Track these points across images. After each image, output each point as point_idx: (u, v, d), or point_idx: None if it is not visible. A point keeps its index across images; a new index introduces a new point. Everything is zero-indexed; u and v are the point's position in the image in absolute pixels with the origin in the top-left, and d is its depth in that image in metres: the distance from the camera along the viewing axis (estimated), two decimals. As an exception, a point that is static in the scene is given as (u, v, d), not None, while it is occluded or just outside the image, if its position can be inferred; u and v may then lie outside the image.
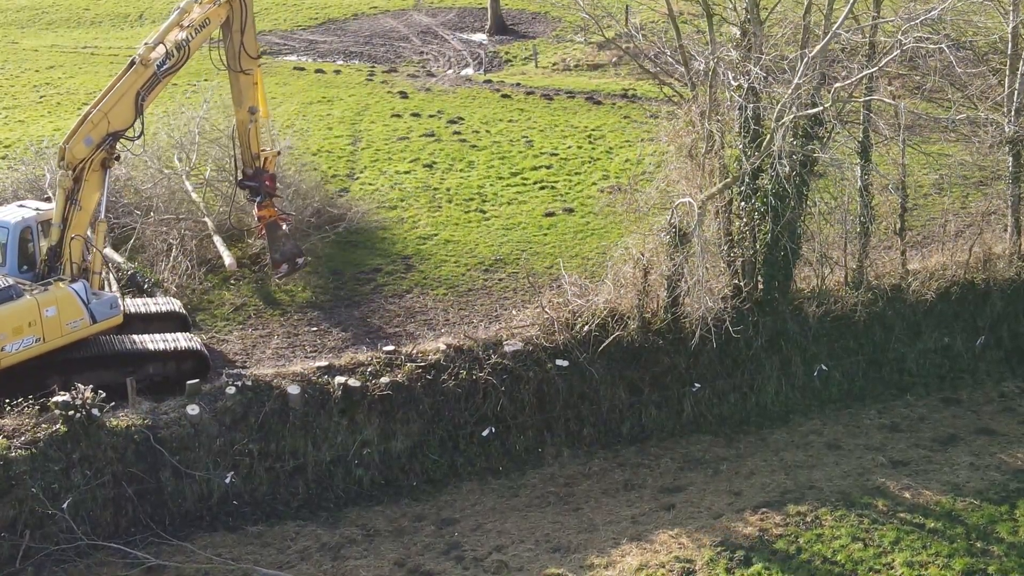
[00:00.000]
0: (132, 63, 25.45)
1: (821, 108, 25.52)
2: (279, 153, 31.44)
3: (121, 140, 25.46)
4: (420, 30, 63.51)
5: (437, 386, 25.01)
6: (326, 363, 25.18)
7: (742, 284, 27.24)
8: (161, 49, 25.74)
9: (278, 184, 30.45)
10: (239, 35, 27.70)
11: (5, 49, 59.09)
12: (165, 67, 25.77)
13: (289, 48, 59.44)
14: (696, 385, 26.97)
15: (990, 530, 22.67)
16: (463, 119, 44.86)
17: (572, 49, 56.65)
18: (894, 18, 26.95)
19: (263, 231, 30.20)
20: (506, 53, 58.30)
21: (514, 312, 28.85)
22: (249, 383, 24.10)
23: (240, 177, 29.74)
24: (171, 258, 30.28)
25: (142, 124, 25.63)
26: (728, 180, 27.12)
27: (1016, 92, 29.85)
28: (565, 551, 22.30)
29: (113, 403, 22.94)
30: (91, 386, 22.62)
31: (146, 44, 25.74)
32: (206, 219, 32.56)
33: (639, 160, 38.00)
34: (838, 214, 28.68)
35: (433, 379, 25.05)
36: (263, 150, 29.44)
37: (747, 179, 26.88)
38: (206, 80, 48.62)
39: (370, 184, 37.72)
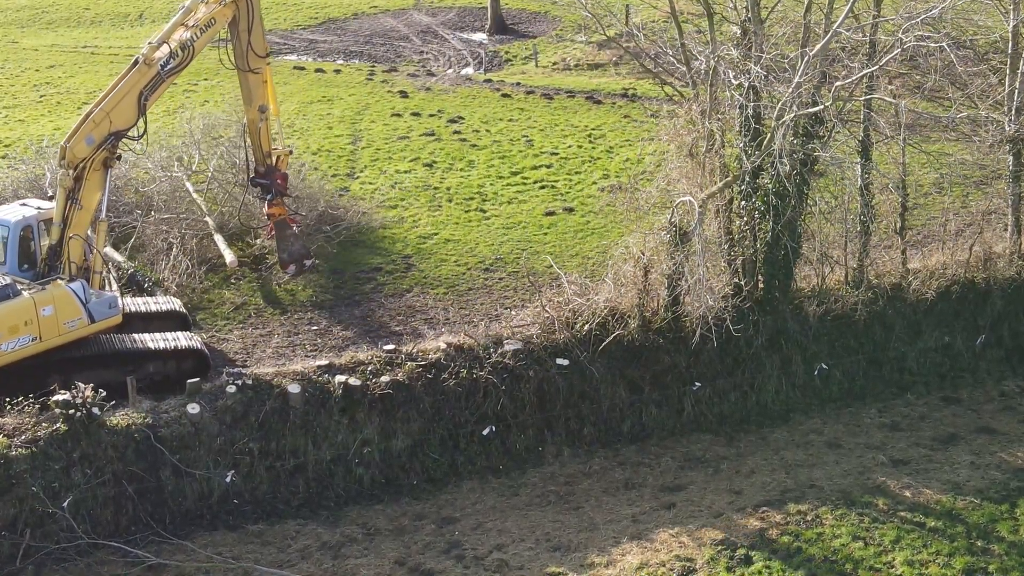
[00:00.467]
0: (136, 62, 25.34)
1: (821, 107, 25.52)
2: (291, 152, 31.41)
3: (124, 140, 25.39)
4: (420, 29, 63.53)
5: (438, 385, 25.00)
6: (326, 362, 25.17)
7: (742, 283, 27.22)
8: (165, 49, 25.60)
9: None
10: (246, 34, 27.58)
11: (5, 48, 59.10)
12: (169, 67, 25.62)
13: (289, 47, 59.45)
14: (697, 384, 26.97)
15: (991, 529, 22.67)
16: (463, 118, 44.86)
17: (572, 48, 56.65)
18: (894, 17, 26.97)
19: (272, 230, 30.19)
20: (506, 52, 58.30)
21: (514, 311, 28.85)
22: (249, 382, 24.09)
23: (252, 175, 29.68)
24: (171, 257, 30.26)
25: (145, 124, 25.54)
26: (728, 179, 27.13)
27: (1016, 91, 29.85)
28: (565, 550, 22.29)
29: (113, 402, 22.93)
30: (91, 385, 22.61)
31: (150, 43, 25.57)
32: (207, 218, 32.56)
33: (639, 159, 38.03)
34: (839, 213, 28.72)
35: (433, 378, 25.04)
36: (274, 148, 29.40)
37: (748, 178, 26.87)
38: (206, 80, 48.73)
39: (370, 183, 37.72)
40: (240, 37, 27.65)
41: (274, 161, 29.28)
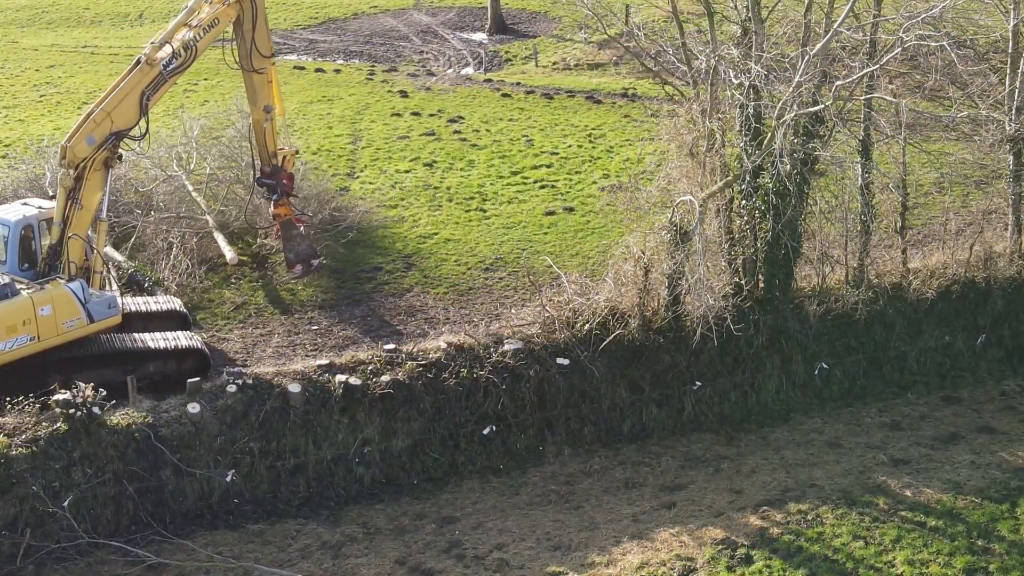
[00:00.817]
0: (138, 62, 25.24)
1: (822, 106, 25.51)
2: (297, 152, 31.39)
3: (125, 140, 25.34)
4: (420, 29, 63.52)
5: (438, 384, 25.00)
6: (327, 361, 25.17)
7: (743, 282, 27.22)
8: (168, 49, 25.52)
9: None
10: (251, 34, 27.53)
11: (5, 48, 59.08)
12: (172, 67, 25.52)
13: (289, 47, 59.43)
14: (697, 383, 26.97)
15: (991, 528, 22.67)
16: (463, 118, 44.85)
17: (572, 48, 56.66)
18: (895, 16, 26.99)
19: (279, 230, 30.17)
20: (506, 52, 58.29)
21: (515, 311, 28.84)
22: (250, 381, 24.09)
23: (258, 175, 29.65)
24: (172, 257, 30.26)
25: (147, 124, 25.48)
26: (729, 178, 27.13)
27: (1017, 90, 29.85)
28: (566, 549, 22.29)
29: (114, 401, 22.94)
30: (92, 384, 22.61)
31: (152, 43, 25.48)
32: (207, 217, 32.55)
33: (639, 159, 38.03)
34: (839, 212, 28.72)
35: (434, 377, 25.04)
36: (280, 148, 29.36)
37: (748, 177, 26.87)
38: (206, 79, 48.73)
39: (370, 183, 37.71)
40: (244, 37, 27.58)
41: (280, 161, 29.27)
